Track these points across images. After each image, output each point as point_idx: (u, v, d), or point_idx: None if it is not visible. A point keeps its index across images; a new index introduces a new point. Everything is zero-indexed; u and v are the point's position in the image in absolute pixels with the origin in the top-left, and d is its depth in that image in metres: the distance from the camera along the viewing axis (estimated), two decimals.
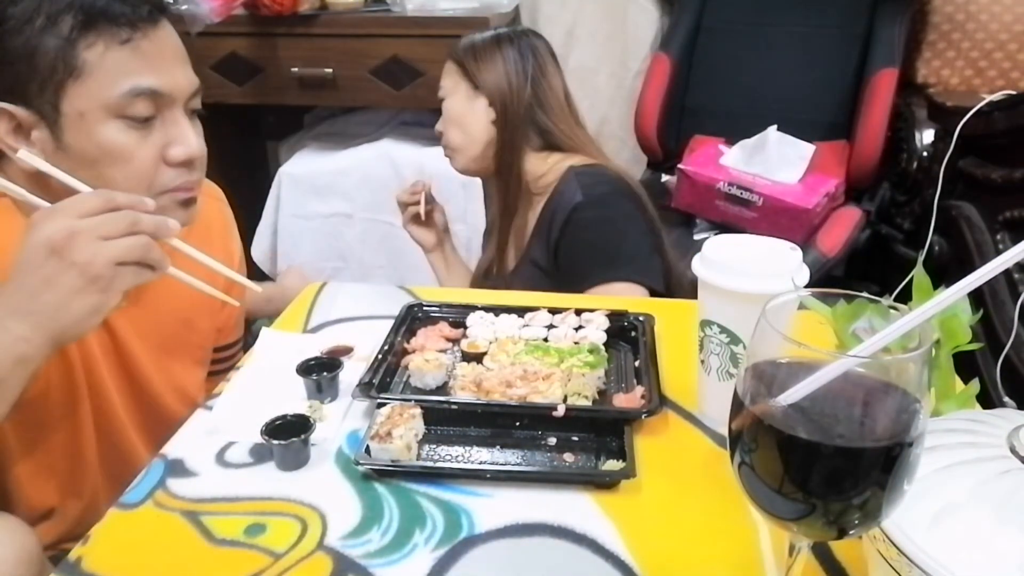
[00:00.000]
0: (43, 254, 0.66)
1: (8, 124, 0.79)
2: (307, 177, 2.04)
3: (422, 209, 1.37)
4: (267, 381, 0.87)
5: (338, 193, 2.03)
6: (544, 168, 1.31)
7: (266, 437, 0.72)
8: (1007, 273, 1.48)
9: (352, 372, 0.85)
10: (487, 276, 1.42)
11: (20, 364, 0.68)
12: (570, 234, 1.24)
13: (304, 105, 2.31)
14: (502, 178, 1.32)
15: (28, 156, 0.76)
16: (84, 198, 0.69)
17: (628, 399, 0.81)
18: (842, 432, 0.42)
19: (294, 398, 0.83)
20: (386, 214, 1.98)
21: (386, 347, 0.90)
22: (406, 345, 0.93)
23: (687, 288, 1.25)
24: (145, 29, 0.79)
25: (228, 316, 1.10)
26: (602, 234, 1.23)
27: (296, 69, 1.94)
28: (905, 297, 0.58)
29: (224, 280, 1.07)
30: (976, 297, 0.91)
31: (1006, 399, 1.46)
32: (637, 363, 0.89)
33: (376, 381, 0.83)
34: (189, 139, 0.84)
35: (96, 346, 0.89)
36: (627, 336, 0.95)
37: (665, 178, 2.17)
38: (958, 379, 0.63)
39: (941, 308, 0.41)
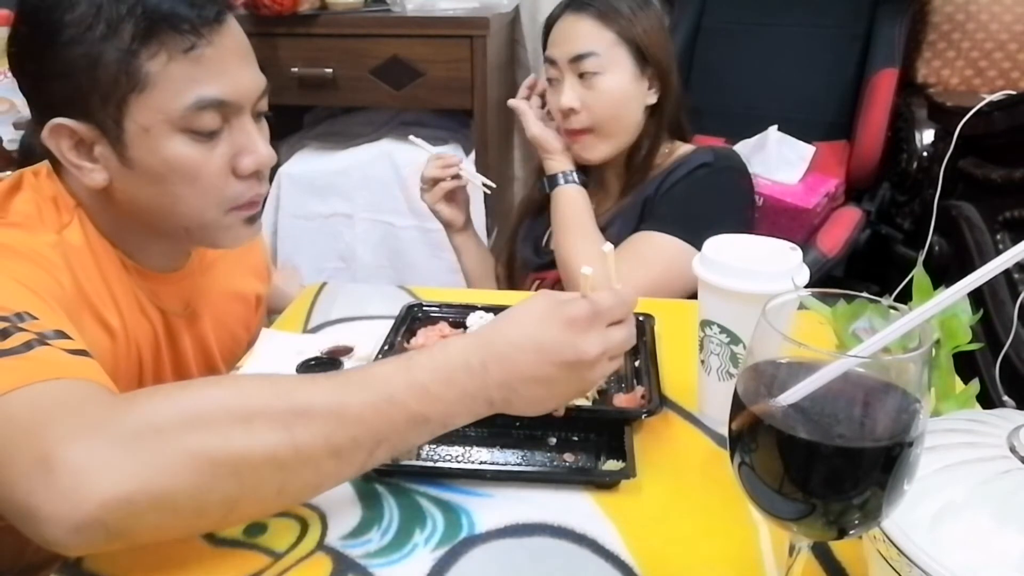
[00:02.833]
0: (570, 359, 0.63)
1: (70, 140, 0.75)
2: (307, 177, 2.03)
3: (476, 181, 1.25)
4: None
5: (338, 193, 2.02)
6: (659, 159, 1.21)
7: None
8: (1007, 273, 1.47)
9: None
10: (538, 252, 1.33)
11: (457, 423, 0.64)
12: (681, 185, 1.14)
13: (304, 105, 2.31)
14: (631, 170, 1.19)
15: None
16: (616, 306, 0.66)
17: (628, 399, 0.81)
18: (842, 432, 0.42)
19: None
20: (386, 214, 1.98)
21: (386, 347, 0.90)
22: (406, 345, 0.93)
23: None
24: (210, 35, 0.74)
25: (255, 331, 1.11)
26: (702, 197, 1.14)
27: (296, 69, 1.94)
28: (905, 297, 0.58)
29: (253, 295, 1.07)
30: (976, 297, 0.91)
31: (1005, 398, 1.45)
32: (637, 363, 0.89)
33: None
34: (259, 147, 0.80)
35: (168, 363, 0.89)
36: None
37: None
38: (958, 379, 0.63)
39: (941, 308, 0.41)
